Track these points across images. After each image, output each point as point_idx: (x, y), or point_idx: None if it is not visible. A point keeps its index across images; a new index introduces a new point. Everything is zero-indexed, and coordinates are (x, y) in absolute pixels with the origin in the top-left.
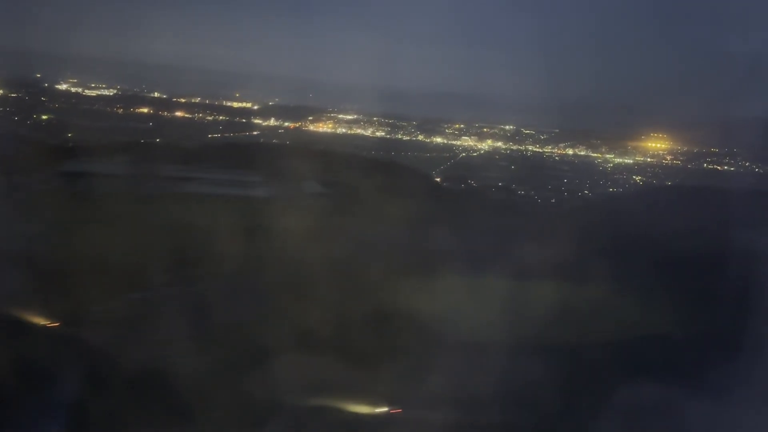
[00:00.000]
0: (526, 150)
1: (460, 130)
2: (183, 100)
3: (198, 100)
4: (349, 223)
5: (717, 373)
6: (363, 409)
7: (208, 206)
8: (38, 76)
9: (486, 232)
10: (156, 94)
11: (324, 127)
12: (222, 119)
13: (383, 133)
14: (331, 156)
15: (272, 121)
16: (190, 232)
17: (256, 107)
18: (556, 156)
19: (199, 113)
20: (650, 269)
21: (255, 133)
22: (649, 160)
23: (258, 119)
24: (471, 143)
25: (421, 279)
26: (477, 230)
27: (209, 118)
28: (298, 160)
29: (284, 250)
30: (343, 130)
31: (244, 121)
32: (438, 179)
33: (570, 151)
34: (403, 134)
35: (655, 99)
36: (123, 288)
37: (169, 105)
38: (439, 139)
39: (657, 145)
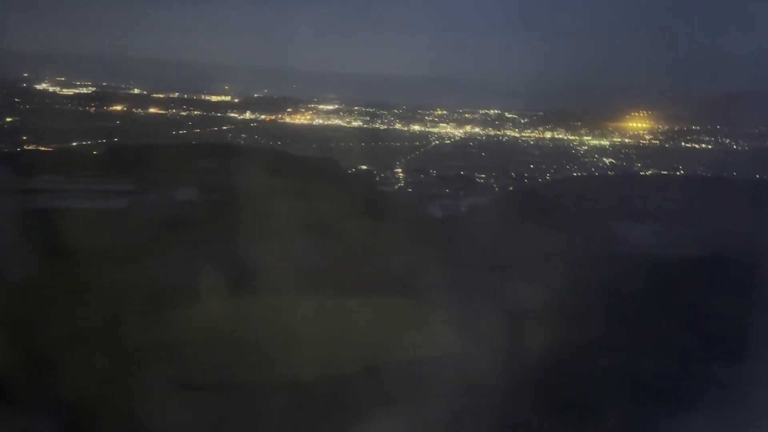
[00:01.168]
0: (504, 135)
1: (440, 116)
2: (161, 96)
3: (176, 95)
4: (197, 239)
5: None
6: None
7: (38, 222)
8: (26, 75)
9: (367, 240)
10: (136, 91)
11: (301, 119)
12: (196, 114)
13: (361, 123)
14: (254, 155)
15: (247, 114)
16: None
17: (236, 100)
18: (532, 140)
19: (173, 109)
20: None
21: (225, 127)
22: (627, 140)
23: (234, 113)
24: (449, 130)
25: (230, 304)
26: (354, 239)
27: (183, 113)
28: (205, 161)
29: (75, 272)
30: (320, 121)
31: (219, 115)
32: (374, 177)
33: (548, 135)
34: (380, 123)
35: (641, 77)
36: None
37: (145, 101)
38: (417, 127)
39: (638, 125)
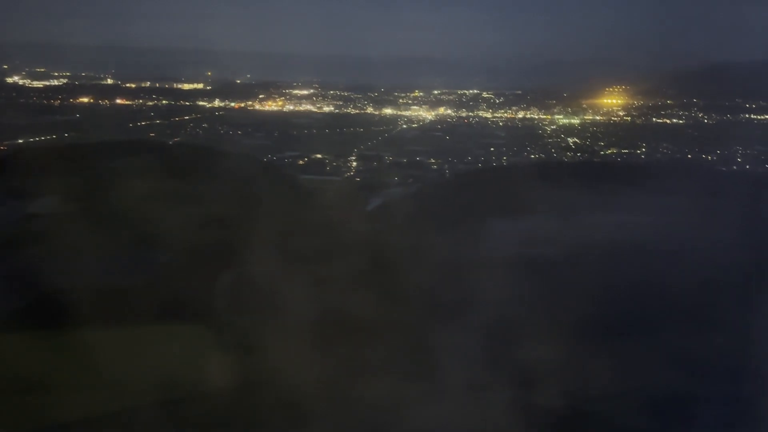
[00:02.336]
0: (475, 117)
1: (416, 98)
2: (133, 86)
3: (148, 84)
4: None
5: None
6: None
7: None
8: (5, 67)
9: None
10: (109, 81)
11: (273, 105)
12: (164, 104)
13: (333, 108)
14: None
15: (216, 103)
16: None
17: (209, 88)
18: (502, 121)
19: (141, 99)
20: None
21: (188, 117)
22: (598, 118)
23: (204, 101)
24: (421, 113)
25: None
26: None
27: (150, 103)
28: (102, 163)
29: None
30: (292, 107)
31: (188, 104)
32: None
33: (521, 114)
34: (353, 108)
35: (622, 52)
36: None
37: (115, 92)
38: (389, 111)
39: (613, 101)
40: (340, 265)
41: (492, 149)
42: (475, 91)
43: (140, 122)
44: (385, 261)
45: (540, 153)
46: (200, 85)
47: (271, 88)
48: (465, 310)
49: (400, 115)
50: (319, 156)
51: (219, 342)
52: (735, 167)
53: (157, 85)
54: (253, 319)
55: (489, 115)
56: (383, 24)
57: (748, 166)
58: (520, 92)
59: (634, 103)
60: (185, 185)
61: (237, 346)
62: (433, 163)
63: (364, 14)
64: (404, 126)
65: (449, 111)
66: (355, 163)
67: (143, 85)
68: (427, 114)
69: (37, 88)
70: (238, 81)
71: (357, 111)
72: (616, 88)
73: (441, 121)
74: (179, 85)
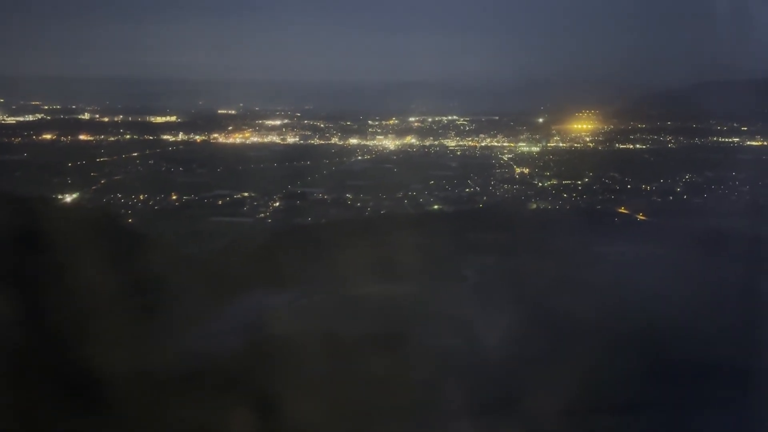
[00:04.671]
0: (438, 145)
1: (387, 127)
2: (106, 119)
3: (120, 118)
4: None
5: None
6: None
7: None
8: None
9: None
10: (86, 116)
11: (238, 137)
12: (126, 138)
13: (298, 139)
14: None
15: (180, 136)
16: None
17: (180, 120)
18: (461, 150)
19: (104, 135)
20: None
21: (135, 154)
22: (561, 145)
23: (168, 135)
24: (385, 143)
25: None
26: None
27: (112, 138)
28: None
29: None
30: (257, 139)
31: (151, 138)
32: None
33: (485, 142)
34: (318, 138)
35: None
36: None
37: (84, 127)
38: (354, 141)
39: (584, 126)
40: None
41: (432, 182)
42: (453, 117)
43: (81, 161)
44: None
45: (476, 186)
46: (173, 118)
47: (246, 119)
48: None
49: (363, 145)
50: (245, 194)
51: None
52: (671, 197)
53: (130, 118)
54: None
55: (453, 144)
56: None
57: (685, 196)
58: (496, 117)
59: (605, 128)
60: None
61: None
62: (358, 201)
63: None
64: (359, 158)
65: (414, 140)
66: (277, 203)
67: (116, 119)
68: (390, 143)
69: (9, 125)
70: (221, 111)
71: (321, 142)
72: (593, 111)
73: (401, 151)
74: (152, 118)
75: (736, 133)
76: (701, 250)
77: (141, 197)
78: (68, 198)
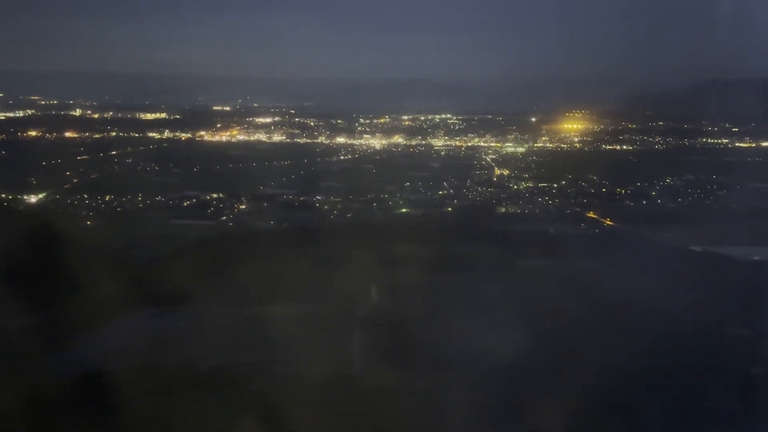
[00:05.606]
0: (424, 145)
1: (377, 125)
2: (96, 116)
3: (110, 114)
4: None
5: None
6: None
7: None
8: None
9: None
10: (78, 111)
11: (225, 135)
12: (112, 136)
13: (284, 137)
14: None
15: (166, 134)
16: None
17: (171, 117)
18: (445, 150)
19: (90, 132)
20: None
21: (115, 152)
22: (548, 146)
23: (154, 132)
24: (371, 142)
25: None
26: None
27: (97, 135)
28: None
29: None
30: (242, 137)
31: (136, 135)
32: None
33: (472, 142)
34: (305, 137)
35: (608, 70)
36: None
37: (71, 124)
38: (340, 139)
39: (575, 126)
40: None
41: (407, 184)
42: (446, 115)
43: (59, 160)
44: None
45: (451, 189)
46: (163, 115)
47: (238, 117)
48: None
49: (348, 144)
50: (213, 196)
51: None
52: (644, 202)
53: (120, 115)
54: None
55: (439, 143)
56: (377, 47)
57: (659, 201)
58: (489, 116)
59: (596, 128)
60: None
61: None
62: (327, 204)
63: (360, 39)
64: (341, 157)
65: (402, 139)
66: (244, 206)
67: (105, 115)
68: (377, 143)
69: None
70: (216, 108)
71: (308, 140)
72: (587, 111)
73: (385, 151)
74: (141, 115)
75: (727, 134)
76: (636, 265)
77: (107, 198)
78: (33, 198)
